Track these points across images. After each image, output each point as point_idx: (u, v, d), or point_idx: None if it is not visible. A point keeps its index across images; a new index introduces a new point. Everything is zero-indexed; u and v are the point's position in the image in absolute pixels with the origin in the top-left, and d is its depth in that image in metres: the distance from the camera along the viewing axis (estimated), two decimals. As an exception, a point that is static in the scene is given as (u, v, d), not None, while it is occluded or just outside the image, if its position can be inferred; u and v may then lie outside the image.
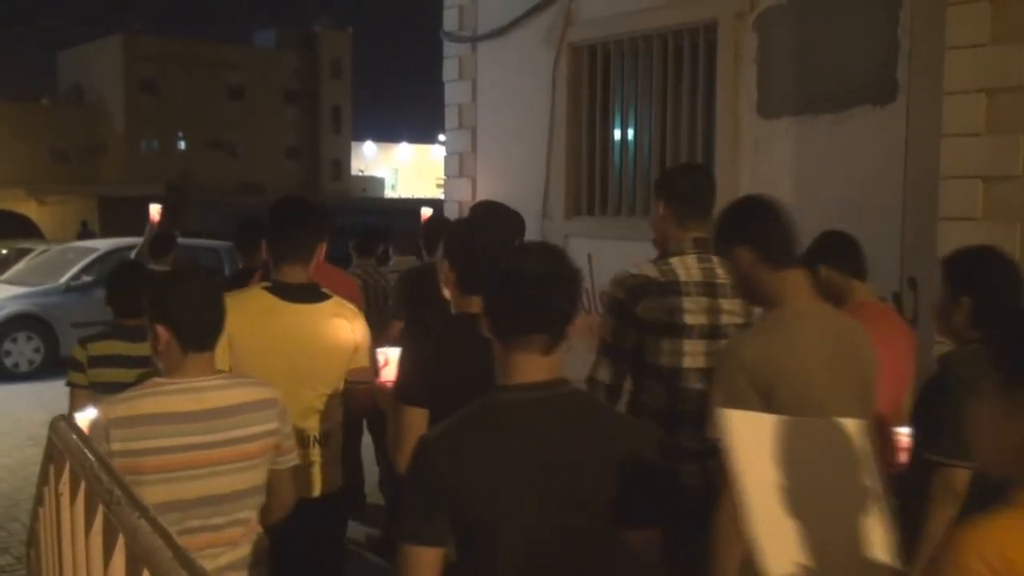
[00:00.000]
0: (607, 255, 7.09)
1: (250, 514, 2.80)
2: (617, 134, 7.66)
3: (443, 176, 9.25)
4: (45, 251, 14.74)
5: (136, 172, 53.02)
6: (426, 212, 8.08)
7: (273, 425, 2.81)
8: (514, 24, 8.13)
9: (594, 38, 7.64)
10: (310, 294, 3.45)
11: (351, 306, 3.58)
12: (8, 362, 12.02)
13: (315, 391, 3.40)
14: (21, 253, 15.22)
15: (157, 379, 2.74)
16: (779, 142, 6.37)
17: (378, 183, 68.83)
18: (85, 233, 25.64)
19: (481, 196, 8.73)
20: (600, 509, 2.07)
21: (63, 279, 12.80)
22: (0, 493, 7.19)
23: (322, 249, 3.51)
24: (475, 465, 2.02)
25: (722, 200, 6.60)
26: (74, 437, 2.44)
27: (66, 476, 2.44)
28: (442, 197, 9.53)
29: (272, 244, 3.47)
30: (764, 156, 6.47)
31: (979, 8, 4.96)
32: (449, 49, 8.91)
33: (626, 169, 7.56)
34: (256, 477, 2.79)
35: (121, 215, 31.12)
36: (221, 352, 2.95)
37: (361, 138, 71.54)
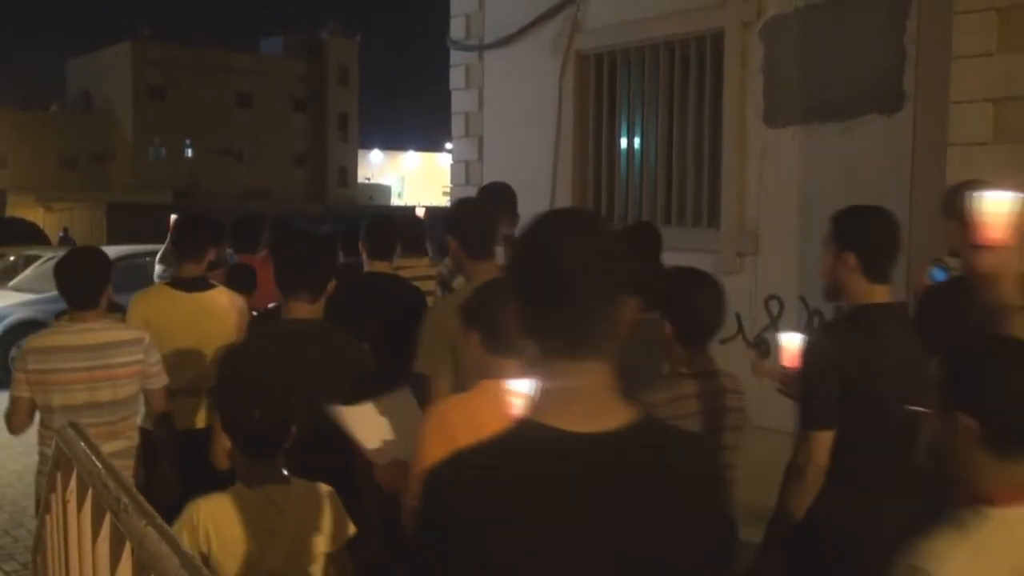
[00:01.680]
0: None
1: (124, 417, 4.06)
2: (624, 142, 7.66)
3: (449, 184, 9.25)
4: (52, 258, 14.75)
5: (144, 179, 53.22)
6: (420, 211, 7.90)
7: (139, 356, 4.06)
8: (521, 32, 8.14)
9: (601, 46, 7.64)
10: (200, 285, 4.74)
11: (231, 292, 4.86)
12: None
13: (211, 352, 4.51)
14: (29, 260, 15.24)
15: (61, 322, 4.25)
16: (786, 150, 6.37)
17: (384, 190, 68.93)
18: (66, 240, 25.74)
19: (488, 204, 8.76)
20: None
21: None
22: (6, 499, 7.20)
23: (212, 251, 4.94)
24: None
25: (733, 206, 6.63)
26: (81, 445, 2.45)
27: (73, 483, 2.46)
28: (448, 204, 9.55)
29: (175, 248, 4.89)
30: (771, 164, 6.47)
31: (986, 18, 4.96)
32: (456, 58, 8.92)
33: (633, 177, 7.56)
34: (126, 392, 4.04)
35: (129, 222, 31.22)
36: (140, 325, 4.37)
37: (368, 145, 71.70)
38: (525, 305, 1.58)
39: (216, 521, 2.69)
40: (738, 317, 6.52)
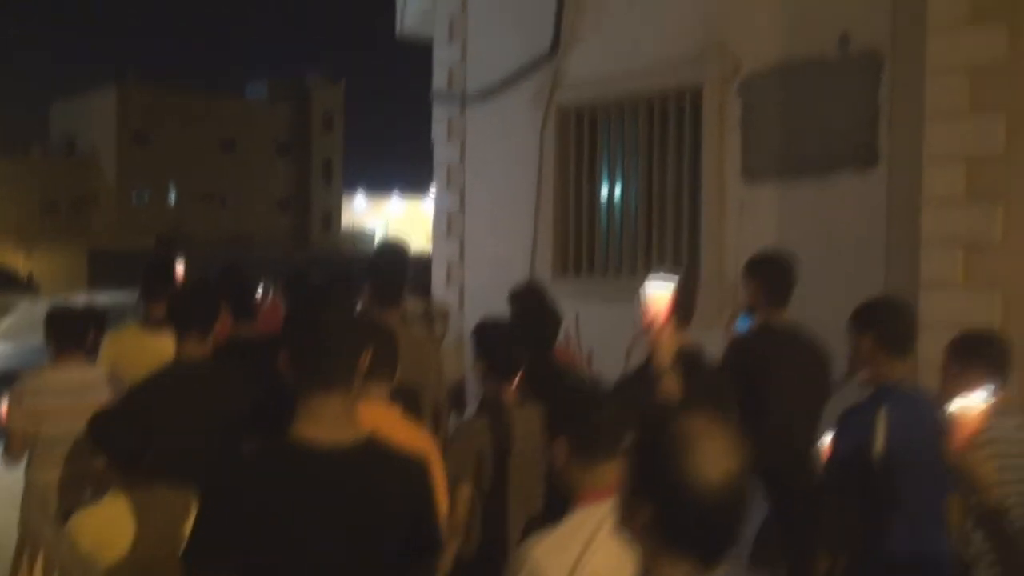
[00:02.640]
0: (594, 316, 7.12)
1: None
2: (604, 195, 7.73)
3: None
4: (32, 307, 14.67)
5: (127, 223, 53.07)
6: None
7: (109, 394, 4.43)
8: (502, 86, 8.22)
9: (581, 100, 7.73)
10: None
11: None
12: (-8, 418, 11.91)
13: None
14: (5, 308, 15.18)
15: (46, 367, 4.82)
16: (763, 206, 6.45)
17: (368, 236, 68.94)
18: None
19: (469, 256, 8.79)
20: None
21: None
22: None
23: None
24: None
25: (713, 260, 6.67)
26: (47, 528, 2.47)
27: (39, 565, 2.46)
28: (430, 252, 9.56)
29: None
30: (749, 219, 6.53)
31: (958, 78, 5.05)
32: (438, 110, 9.00)
33: (613, 230, 7.61)
34: None
35: (111, 268, 31.10)
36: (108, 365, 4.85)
37: (352, 190, 71.77)
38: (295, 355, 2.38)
39: (92, 526, 3.27)
40: (718, 370, 6.54)
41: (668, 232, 7.16)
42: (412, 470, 2.42)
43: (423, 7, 9.50)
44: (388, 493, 2.32)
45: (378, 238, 69.58)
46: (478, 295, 8.57)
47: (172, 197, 58.05)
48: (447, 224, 8.97)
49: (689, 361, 3.60)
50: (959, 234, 5.09)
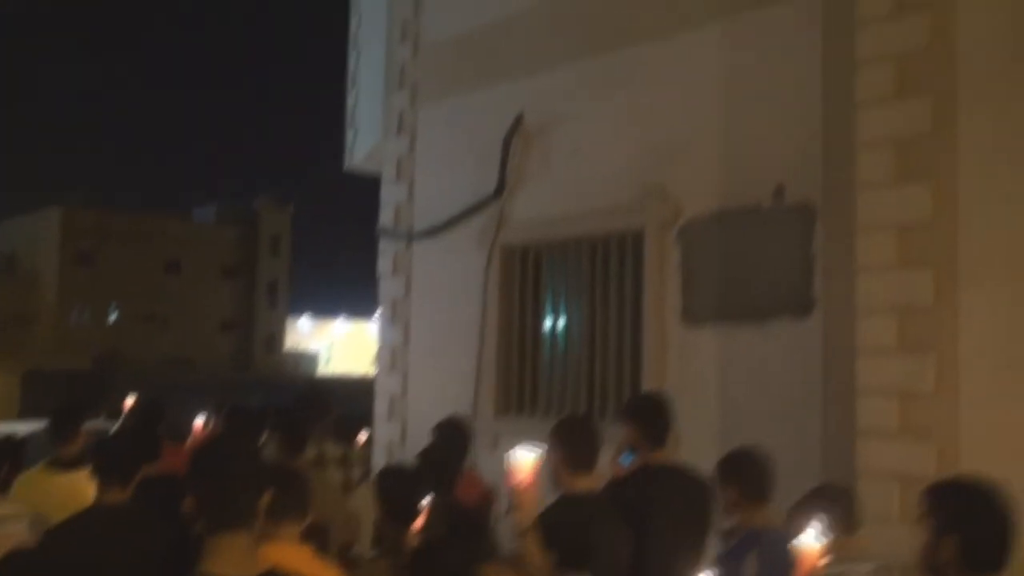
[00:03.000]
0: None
1: None
2: (547, 334, 7.78)
3: (376, 366, 9.25)
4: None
5: (65, 343, 52.09)
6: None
7: (20, 528, 4.12)
8: (448, 224, 8.35)
9: (526, 240, 7.87)
10: (77, 464, 4.99)
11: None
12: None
13: None
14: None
15: None
16: (703, 349, 6.54)
17: (312, 358, 68.29)
18: None
19: (412, 391, 8.75)
20: None
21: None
22: None
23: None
24: None
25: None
26: None
27: None
28: (374, 376, 9.50)
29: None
30: (689, 363, 6.61)
31: (885, 234, 5.25)
32: (385, 245, 9.09)
33: (556, 369, 7.64)
34: None
35: (45, 390, 30.35)
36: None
37: (297, 312, 71.38)
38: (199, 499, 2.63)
39: None
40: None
41: (610, 373, 7.21)
42: None
43: (371, 144, 9.70)
44: None
45: (322, 361, 69.19)
46: (420, 430, 8.48)
47: (112, 317, 57.26)
48: (391, 358, 8.95)
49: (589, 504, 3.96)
50: (893, 384, 5.20)
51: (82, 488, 4.80)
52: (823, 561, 3.23)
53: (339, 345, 75.10)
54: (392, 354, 8.94)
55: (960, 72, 5.04)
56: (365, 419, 9.19)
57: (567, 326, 7.63)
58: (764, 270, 6.24)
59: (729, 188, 6.42)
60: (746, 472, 4.05)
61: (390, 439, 8.73)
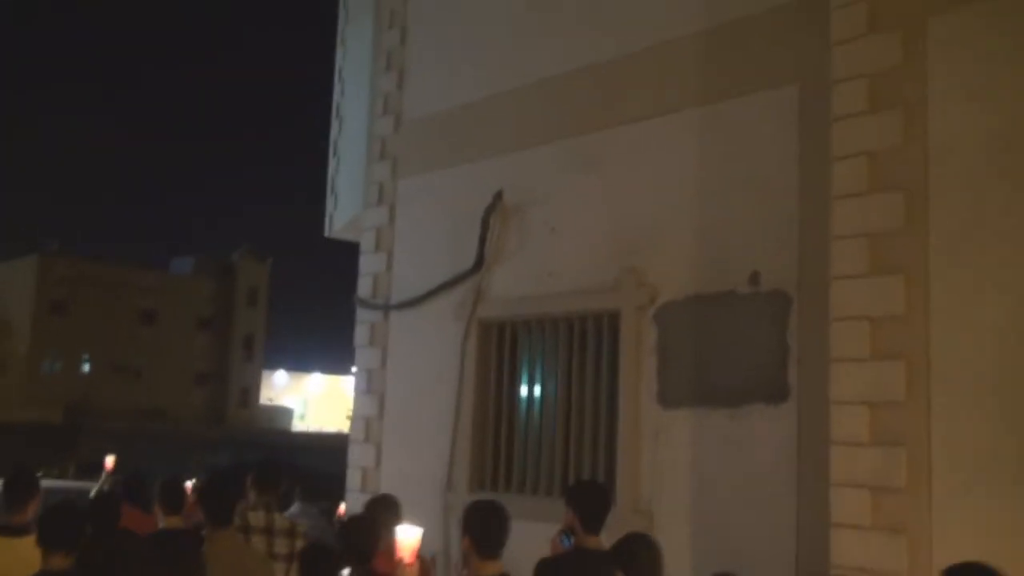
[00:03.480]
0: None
1: None
2: (523, 411, 7.76)
3: (349, 436, 9.17)
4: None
5: (35, 393, 51.50)
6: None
7: None
8: (426, 296, 8.36)
9: (503, 316, 7.88)
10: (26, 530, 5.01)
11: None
12: None
13: None
14: None
15: None
16: (678, 431, 6.53)
17: (287, 413, 67.80)
18: None
19: (386, 463, 8.68)
20: None
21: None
22: None
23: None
24: None
25: (628, 484, 6.66)
26: None
27: None
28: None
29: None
30: (663, 444, 6.60)
31: (859, 326, 5.29)
32: (362, 315, 9.07)
33: (531, 447, 7.61)
34: None
35: (13, 444, 29.97)
36: None
37: (273, 366, 71.01)
38: None
39: None
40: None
41: (585, 452, 7.18)
42: None
43: (351, 212, 9.73)
44: None
45: (297, 416, 68.61)
46: (393, 504, 8.42)
47: (85, 367, 56.70)
48: (365, 429, 8.88)
49: None
50: (865, 477, 5.20)
51: (29, 555, 4.83)
52: None
53: (314, 400, 74.63)
54: (366, 425, 8.88)
55: (932, 168, 5.12)
56: (338, 479, 9.15)
57: (543, 403, 7.62)
58: (739, 355, 6.26)
59: (705, 272, 6.47)
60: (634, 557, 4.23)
61: (359, 511, 8.63)
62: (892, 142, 5.17)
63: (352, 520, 5.35)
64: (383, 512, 5.56)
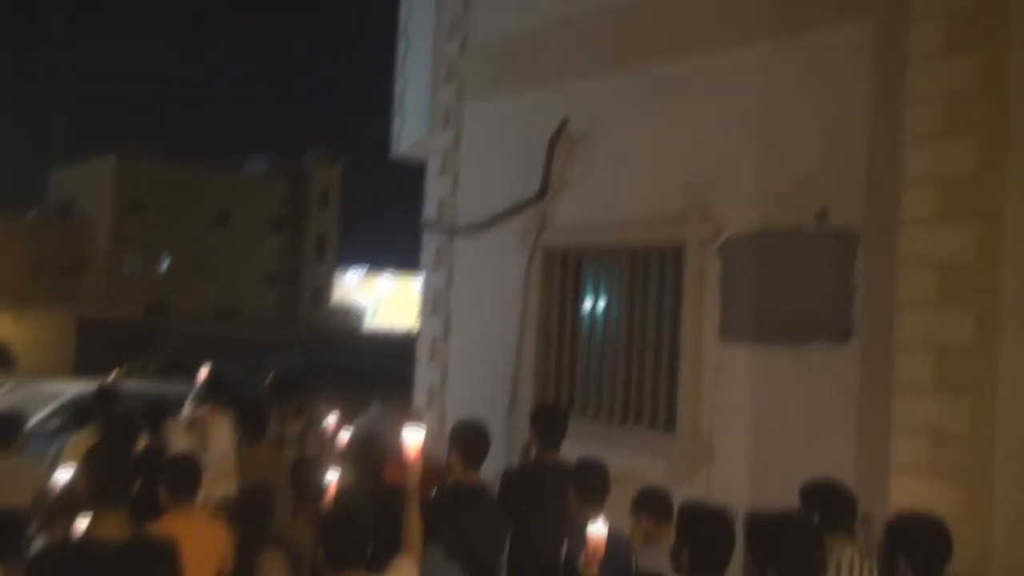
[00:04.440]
0: (571, 457, 7.16)
1: None
2: (586, 337, 7.82)
3: (416, 359, 9.34)
4: (12, 390, 14.63)
5: (116, 291, 53.08)
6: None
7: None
8: (491, 222, 8.38)
9: (567, 244, 7.88)
10: None
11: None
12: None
13: None
14: (-12, 388, 15.09)
15: None
16: (739, 366, 6.54)
17: (358, 312, 68.98)
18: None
19: (451, 383, 8.86)
20: None
21: (28, 424, 12.65)
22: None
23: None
24: None
25: (688, 414, 6.72)
26: None
27: None
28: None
29: None
30: (725, 379, 6.62)
31: (928, 270, 5.21)
32: (428, 238, 9.15)
33: (593, 373, 7.69)
34: None
35: (98, 338, 31.08)
36: None
37: (345, 267, 72.00)
38: None
39: None
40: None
41: (647, 381, 7.24)
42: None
43: (417, 135, 9.73)
44: None
45: (368, 315, 69.75)
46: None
47: (163, 267, 58.16)
48: (431, 350, 9.05)
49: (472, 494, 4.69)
50: (927, 423, 5.19)
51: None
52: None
53: (385, 299, 75.74)
54: (432, 346, 9.04)
55: (1012, 113, 4.95)
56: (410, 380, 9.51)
57: (605, 331, 7.66)
58: (803, 293, 6.21)
59: (771, 208, 6.38)
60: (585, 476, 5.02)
61: (428, 428, 8.86)
62: (970, 85, 5.01)
63: (360, 438, 5.77)
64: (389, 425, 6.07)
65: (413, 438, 4.21)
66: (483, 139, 8.65)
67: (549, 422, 5.83)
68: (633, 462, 7.09)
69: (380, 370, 26.63)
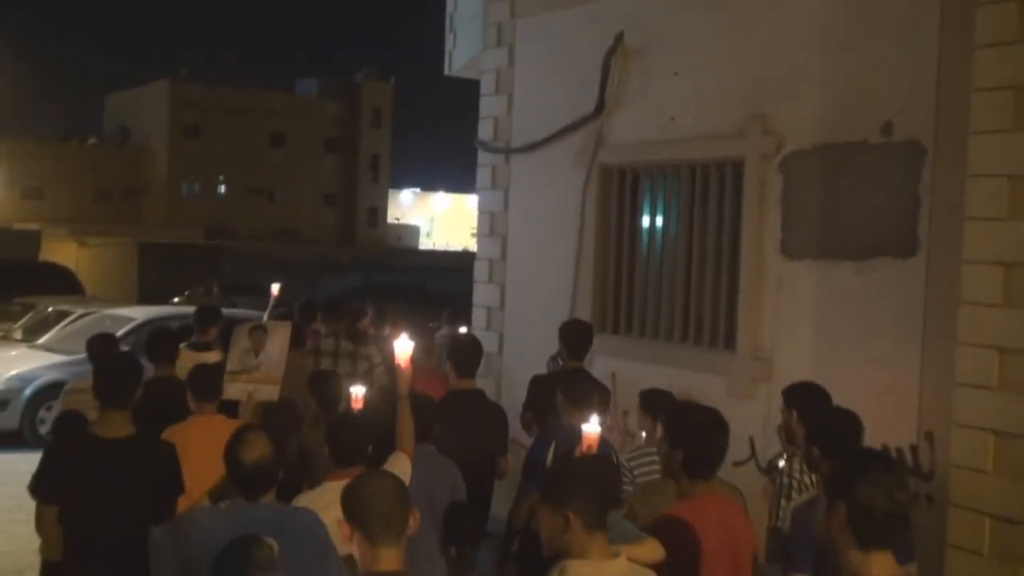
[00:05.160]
0: (630, 375, 7.20)
1: None
2: (644, 256, 7.77)
3: (474, 281, 9.38)
4: (83, 316, 14.98)
5: (176, 215, 53.92)
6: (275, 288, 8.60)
7: None
8: (546, 141, 8.31)
9: (624, 161, 7.80)
10: None
11: None
12: (43, 430, 12.24)
13: None
14: (60, 315, 15.45)
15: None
16: (801, 283, 6.47)
17: (413, 231, 69.37)
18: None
19: (509, 304, 8.90)
20: None
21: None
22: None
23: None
24: None
25: (749, 332, 6.68)
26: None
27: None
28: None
29: None
30: (786, 295, 6.56)
31: (998, 183, 5.06)
32: (483, 158, 9.10)
33: (651, 292, 7.66)
34: None
35: (160, 261, 31.68)
36: None
37: (399, 186, 72.27)
38: None
39: None
40: (751, 442, 6.59)
41: (706, 298, 7.20)
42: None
43: (470, 53, 9.61)
44: None
45: (423, 234, 70.06)
46: (517, 342, 8.69)
47: (221, 190, 58.81)
48: (488, 271, 9.07)
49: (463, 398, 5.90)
50: (995, 338, 5.10)
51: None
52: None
53: (440, 218, 75.98)
54: (490, 267, 9.06)
55: (1089, 16, 4.74)
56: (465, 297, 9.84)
57: (664, 248, 7.61)
58: (868, 207, 6.09)
59: (835, 121, 6.23)
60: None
61: (487, 350, 8.93)
62: (1045, -14, 4.79)
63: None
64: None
65: (402, 348, 4.53)
66: (537, 56, 8.53)
67: (573, 335, 6.48)
68: (693, 380, 7.11)
69: (437, 290, 26.89)
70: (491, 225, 9.06)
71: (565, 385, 5.33)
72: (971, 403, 5.20)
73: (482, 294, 9.19)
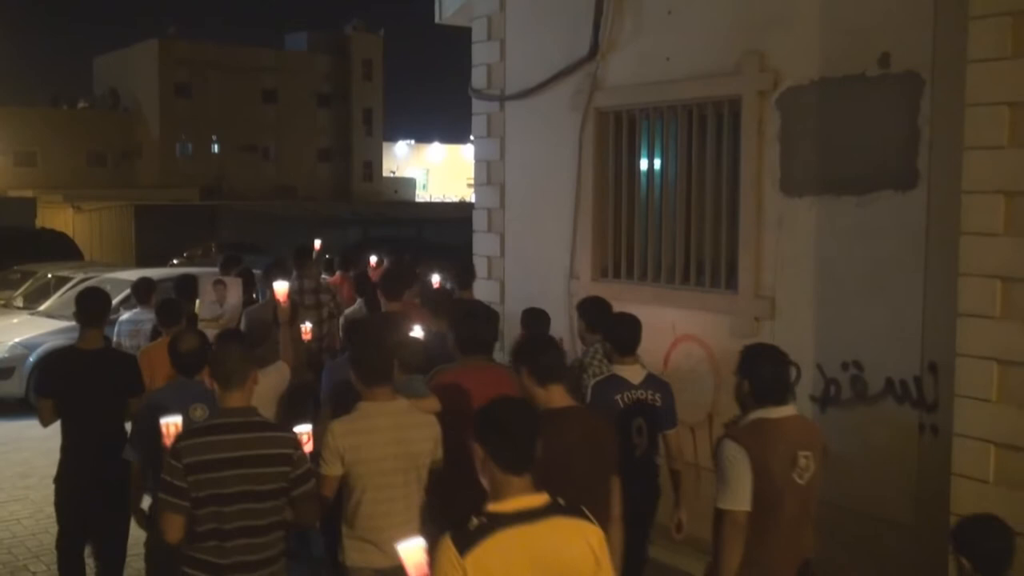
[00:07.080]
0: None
1: None
2: (643, 199, 7.74)
3: (473, 229, 9.35)
4: (83, 281, 14.97)
5: (171, 176, 53.67)
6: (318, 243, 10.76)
7: None
8: (541, 86, 8.24)
9: (620, 104, 7.73)
10: None
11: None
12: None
13: None
14: (60, 282, 15.47)
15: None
16: (802, 220, 6.45)
17: (409, 183, 69.10)
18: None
19: (510, 252, 8.89)
20: None
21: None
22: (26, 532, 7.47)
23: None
24: None
25: (750, 271, 6.67)
26: None
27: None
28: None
29: None
30: (787, 233, 6.55)
31: (998, 111, 5.01)
32: (478, 106, 9.03)
33: (652, 235, 7.64)
34: None
35: (156, 223, 31.58)
36: None
37: (393, 139, 71.83)
38: None
39: None
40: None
41: (706, 239, 7.19)
42: None
43: (461, 0, 9.49)
44: None
45: (419, 186, 69.79)
46: (518, 290, 8.69)
47: (215, 149, 58.45)
48: (487, 220, 9.05)
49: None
50: (996, 267, 5.08)
51: None
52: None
53: (435, 169, 75.66)
54: (488, 216, 9.04)
55: (1088, -63, 4.66)
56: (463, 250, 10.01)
57: (663, 191, 7.58)
58: (867, 141, 6.06)
59: (831, 55, 6.17)
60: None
61: (488, 299, 8.93)
62: (1042, -91, 4.70)
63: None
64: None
65: (280, 287, 6.33)
66: (528, 1, 8.41)
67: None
68: (696, 321, 7.13)
69: (434, 241, 26.83)
70: (488, 174, 9.02)
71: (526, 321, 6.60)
72: (974, 333, 5.20)
73: (482, 243, 9.17)
